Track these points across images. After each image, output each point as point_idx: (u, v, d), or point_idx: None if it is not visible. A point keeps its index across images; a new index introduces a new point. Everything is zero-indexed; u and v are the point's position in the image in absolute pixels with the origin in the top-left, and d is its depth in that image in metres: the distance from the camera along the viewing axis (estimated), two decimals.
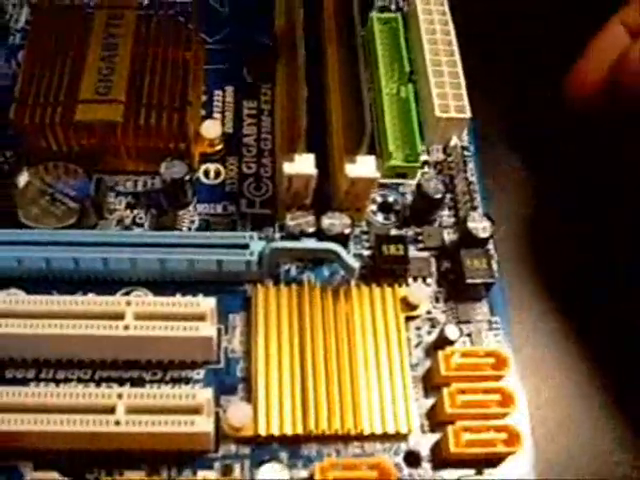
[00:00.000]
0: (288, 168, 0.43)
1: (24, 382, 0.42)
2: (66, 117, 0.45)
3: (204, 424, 0.38)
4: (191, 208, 0.47)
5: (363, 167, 0.44)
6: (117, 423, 0.38)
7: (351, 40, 0.48)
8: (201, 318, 0.41)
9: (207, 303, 0.41)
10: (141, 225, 0.46)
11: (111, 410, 0.38)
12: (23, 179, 0.46)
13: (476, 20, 0.56)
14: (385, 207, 0.48)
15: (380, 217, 0.48)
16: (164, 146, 0.46)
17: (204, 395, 0.38)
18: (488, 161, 0.51)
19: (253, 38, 0.54)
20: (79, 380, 0.42)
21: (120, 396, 0.38)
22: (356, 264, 0.43)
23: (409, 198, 0.48)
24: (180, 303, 0.41)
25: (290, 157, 0.44)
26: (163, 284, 0.44)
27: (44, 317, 0.40)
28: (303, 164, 0.44)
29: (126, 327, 0.40)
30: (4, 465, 0.40)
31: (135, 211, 0.47)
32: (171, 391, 0.39)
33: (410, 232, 0.47)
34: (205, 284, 0.44)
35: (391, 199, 0.48)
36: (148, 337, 0.40)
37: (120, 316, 0.40)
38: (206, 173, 0.49)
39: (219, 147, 0.49)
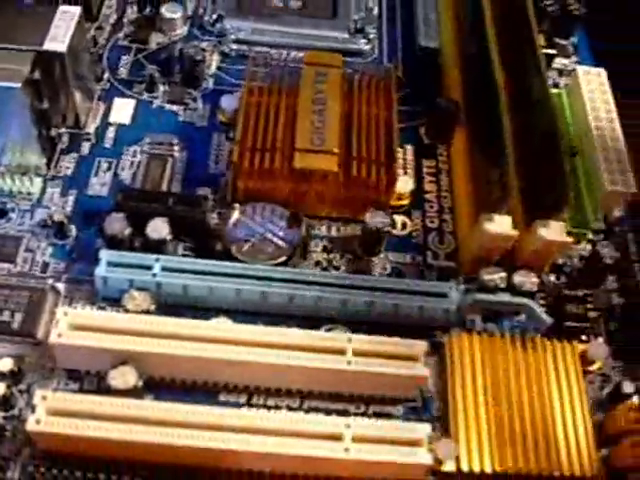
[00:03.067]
0: (491, 227, 0.47)
1: (236, 407, 0.45)
2: (285, 163, 0.49)
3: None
4: (382, 256, 0.51)
5: (555, 232, 0.48)
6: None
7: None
8: (414, 359, 0.44)
9: (420, 346, 0.45)
10: (338, 268, 0.50)
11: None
12: (234, 216, 0.49)
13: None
14: (555, 268, 0.52)
15: (552, 277, 0.52)
16: (366, 196, 0.50)
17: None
18: None
19: (430, 99, 0.57)
20: (289, 408, 0.45)
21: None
22: (549, 319, 0.47)
23: (575, 261, 0.53)
24: (396, 343, 0.45)
25: (489, 217, 0.48)
26: (357, 323, 0.48)
27: (262, 346, 0.44)
28: (502, 225, 0.48)
29: (348, 362, 0.44)
30: None
31: (331, 255, 0.51)
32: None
33: (579, 293, 0.52)
34: (401, 326, 0.48)
35: (560, 261, 0.53)
36: (365, 373, 0.44)
37: (342, 351, 0.44)
38: (393, 224, 0.53)
39: (406, 201, 0.53)
